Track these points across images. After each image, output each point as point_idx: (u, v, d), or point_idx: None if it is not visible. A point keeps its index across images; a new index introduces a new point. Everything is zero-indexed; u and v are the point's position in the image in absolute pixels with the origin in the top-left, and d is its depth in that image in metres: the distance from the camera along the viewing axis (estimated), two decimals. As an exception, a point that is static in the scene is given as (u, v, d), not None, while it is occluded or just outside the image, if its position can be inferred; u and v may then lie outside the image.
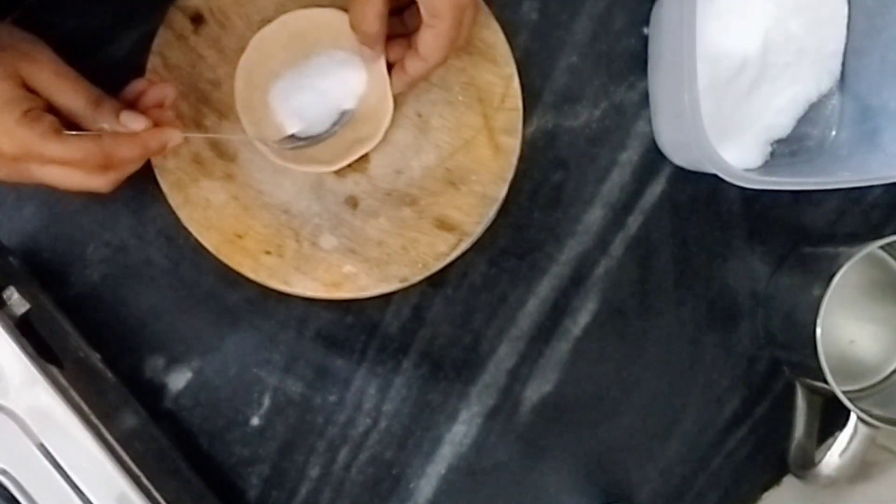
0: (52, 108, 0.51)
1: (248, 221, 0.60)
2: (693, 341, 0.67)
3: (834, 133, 0.68)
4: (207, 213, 0.59)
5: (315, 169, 0.59)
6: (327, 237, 0.60)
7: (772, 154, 0.66)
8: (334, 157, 0.59)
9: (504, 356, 0.66)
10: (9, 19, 0.62)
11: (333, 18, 0.59)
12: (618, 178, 0.66)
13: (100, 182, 0.51)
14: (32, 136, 0.48)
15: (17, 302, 0.52)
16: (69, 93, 0.51)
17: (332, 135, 0.59)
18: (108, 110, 0.52)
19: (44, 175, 0.50)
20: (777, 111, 0.66)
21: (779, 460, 0.67)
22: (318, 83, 0.58)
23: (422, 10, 0.53)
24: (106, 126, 0.52)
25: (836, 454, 0.60)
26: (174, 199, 0.59)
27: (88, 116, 0.52)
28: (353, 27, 0.56)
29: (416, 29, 0.56)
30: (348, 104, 0.59)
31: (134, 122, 0.52)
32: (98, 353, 0.61)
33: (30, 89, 0.50)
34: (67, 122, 0.51)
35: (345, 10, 0.58)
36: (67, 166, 0.50)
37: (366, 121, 0.59)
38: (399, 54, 0.57)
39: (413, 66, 0.56)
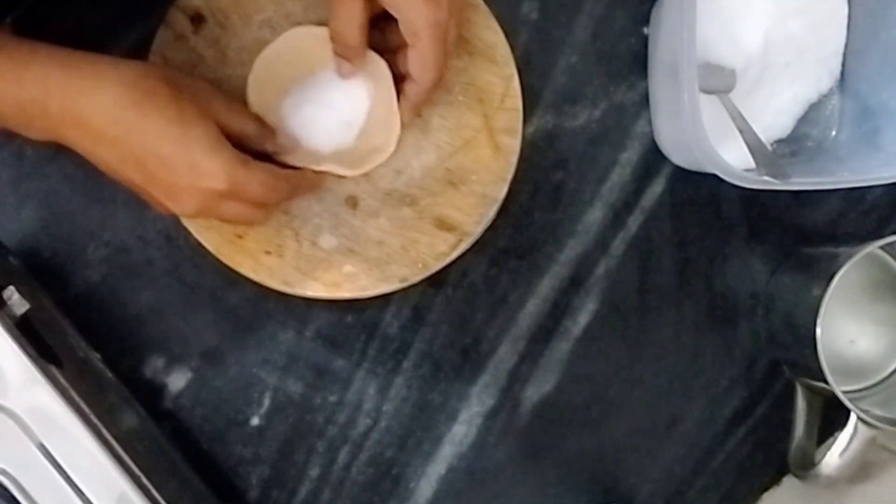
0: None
1: (248, 221, 0.60)
2: (693, 341, 0.67)
3: (834, 133, 0.68)
4: (207, 213, 0.59)
5: (338, 171, 0.59)
6: (327, 237, 0.60)
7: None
8: (352, 165, 0.59)
9: (504, 356, 0.66)
10: (9, 19, 0.62)
11: None
12: (618, 178, 0.66)
13: (261, 215, 0.54)
14: (243, 173, 0.50)
15: (17, 302, 0.51)
16: (242, 119, 0.54)
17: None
18: (270, 132, 0.56)
19: (226, 209, 0.52)
20: (777, 111, 0.66)
21: (779, 460, 0.67)
22: (325, 96, 0.58)
23: (402, 30, 0.53)
24: (269, 147, 0.56)
25: (836, 454, 0.60)
26: (174, 199, 0.59)
27: (258, 137, 0.55)
28: (334, 39, 0.56)
29: (397, 47, 0.56)
30: (355, 116, 0.59)
31: (285, 138, 0.57)
32: (98, 353, 0.61)
33: None
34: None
35: None
36: (251, 200, 0.52)
37: (377, 132, 0.59)
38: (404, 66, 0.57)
39: (410, 89, 0.56)
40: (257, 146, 0.55)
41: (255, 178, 0.51)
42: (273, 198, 0.53)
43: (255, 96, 0.59)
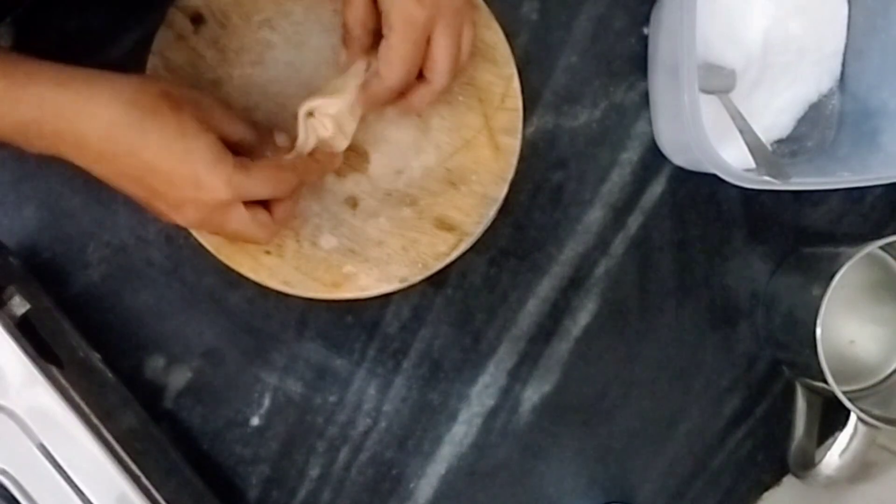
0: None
1: (248, 221, 0.60)
2: (693, 341, 0.67)
3: (834, 133, 0.68)
4: (207, 213, 0.59)
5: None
6: (327, 237, 0.60)
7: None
8: None
9: (504, 356, 0.66)
10: (9, 19, 0.62)
11: None
12: (618, 178, 0.66)
13: (266, 232, 0.53)
14: (245, 180, 0.50)
15: (17, 302, 0.52)
16: (240, 126, 0.54)
17: None
18: (266, 135, 0.56)
19: (232, 220, 0.51)
20: (777, 111, 0.66)
21: (779, 460, 0.67)
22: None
23: (382, 23, 0.52)
24: (268, 153, 0.55)
25: (836, 454, 0.60)
26: (174, 199, 0.59)
27: (256, 144, 0.55)
28: (342, 27, 0.55)
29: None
30: None
31: (285, 140, 0.56)
32: (98, 353, 0.61)
33: None
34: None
35: None
36: (260, 199, 0.52)
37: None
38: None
39: (373, 82, 0.55)
40: (256, 153, 0.55)
41: (259, 179, 0.51)
42: (283, 190, 0.53)
43: None
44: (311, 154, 0.56)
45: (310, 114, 0.55)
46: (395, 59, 0.53)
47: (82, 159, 0.48)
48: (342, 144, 0.57)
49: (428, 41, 0.53)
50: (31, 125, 0.46)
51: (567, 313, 0.66)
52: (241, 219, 0.51)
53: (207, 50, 0.60)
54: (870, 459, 0.62)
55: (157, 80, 0.51)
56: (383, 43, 0.53)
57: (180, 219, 0.51)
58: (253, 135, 0.55)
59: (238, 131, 0.54)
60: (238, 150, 0.53)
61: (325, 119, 0.55)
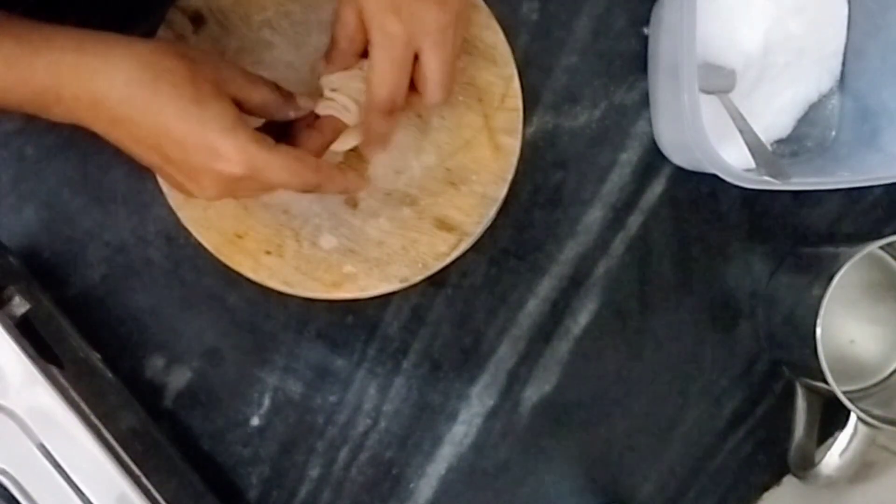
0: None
1: (248, 221, 0.60)
2: (693, 341, 0.67)
3: (834, 133, 0.68)
4: (207, 213, 0.59)
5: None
6: (327, 237, 0.60)
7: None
8: None
9: (504, 356, 0.66)
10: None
11: None
12: (618, 178, 0.66)
13: (307, 169, 0.51)
14: (261, 155, 0.48)
15: (18, 302, 0.51)
16: (262, 88, 0.52)
17: None
18: (289, 97, 0.54)
19: (252, 189, 0.50)
20: (777, 111, 0.66)
21: (779, 460, 0.67)
22: None
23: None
24: (292, 114, 0.54)
25: (836, 454, 0.60)
26: (174, 199, 0.59)
27: (280, 105, 0.53)
28: (331, 40, 0.55)
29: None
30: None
31: (308, 102, 0.54)
32: (98, 353, 0.61)
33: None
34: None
35: None
36: (272, 186, 0.50)
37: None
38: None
39: (366, 108, 0.55)
40: (281, 114, 0.53)
41: (277, 163, 0.49)
42: (296, 185, 0.51)
43: None
44: (317, 122, 0.55)
45: (333, 90, 0.55)
46: (376, 78, 0.52)
47: (99, 124, 0.48)
48: (354, 115, 0.56)
49: (417, 58, 0.52)
50: (49, 91, 0.46)
51: (567, 313, 0.66)
52: (256, 187, 0.50)
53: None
54: (870, 459, 0.62)
55: (175, 44, 0.50)
56: (368, 63, 0.52)
57: (198, 190, 0.50)
58: (276, 98, 0.53)
59: (260, 94, 0.52)
60: (263, 114, 0.52)
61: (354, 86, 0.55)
